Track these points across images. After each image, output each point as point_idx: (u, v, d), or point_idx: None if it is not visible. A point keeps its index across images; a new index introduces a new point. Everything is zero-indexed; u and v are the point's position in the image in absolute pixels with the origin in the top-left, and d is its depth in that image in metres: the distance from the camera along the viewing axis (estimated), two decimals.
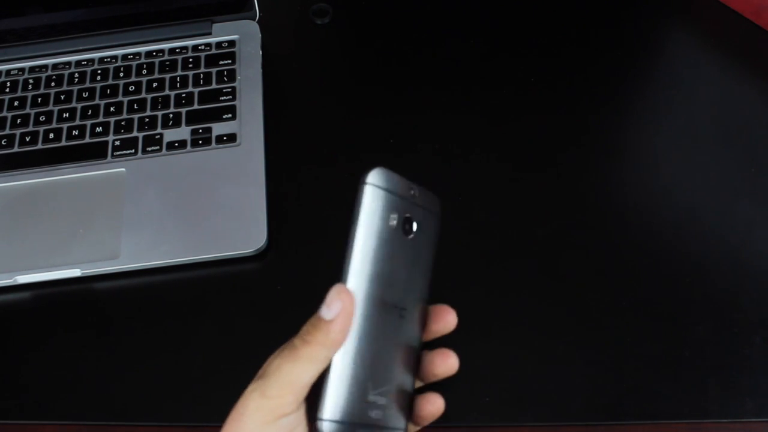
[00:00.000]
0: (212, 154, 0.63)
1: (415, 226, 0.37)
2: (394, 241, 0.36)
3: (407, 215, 0.37)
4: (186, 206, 0.60)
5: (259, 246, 0.58)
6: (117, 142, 0.64)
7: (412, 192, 0.37)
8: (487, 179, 0.62)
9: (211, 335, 0.55)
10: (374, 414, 0.35)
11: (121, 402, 0.53)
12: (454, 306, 0.55)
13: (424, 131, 0.65)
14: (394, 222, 0.36)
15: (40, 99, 0.68)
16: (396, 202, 0.36)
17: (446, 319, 0.40)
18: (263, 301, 0.56)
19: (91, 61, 0.70)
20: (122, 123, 0.66)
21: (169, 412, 0.51)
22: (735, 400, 0.50)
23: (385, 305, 0.36)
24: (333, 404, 0.34)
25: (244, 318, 0.56)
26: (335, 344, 0.34)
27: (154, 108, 0.66)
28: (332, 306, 0.34)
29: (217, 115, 0.65)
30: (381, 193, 0.36)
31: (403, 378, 0.37)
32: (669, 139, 0.64)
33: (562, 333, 0.54)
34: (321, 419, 0.34)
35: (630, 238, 0.58)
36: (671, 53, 0.70)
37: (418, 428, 0.40)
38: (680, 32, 0.71)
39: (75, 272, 0.57)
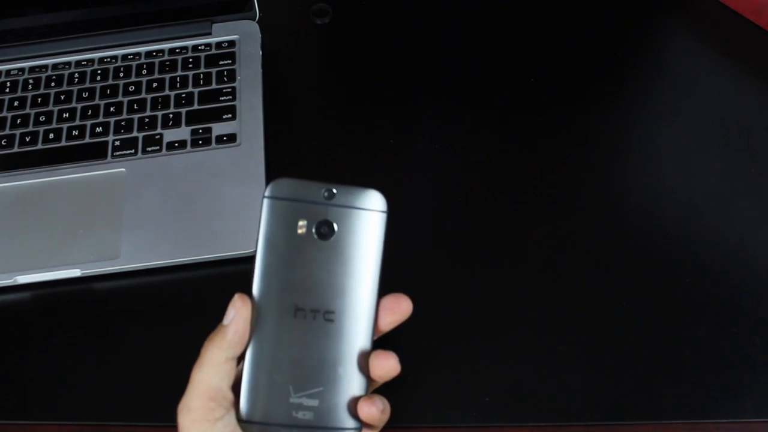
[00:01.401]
0: (212, 154, 0.63)
1: (336, 228, 0.38)
2: (306, 248, 0.38)
3: (322, 219, 0.38)
4: (186, 206, 0.60)
5: None
6: (117, 142, 0.65)
7: (327, 194, 0.38)
8: (486, 179, 0.62)
9: None
10: (302, 415, 0.37)
11: (121, 402, 0.53)
12: (455, 306, 0.56)
13: (423, 131, 0.65)
14: (303, 229, 0.38)
15: (40, 99, 0.68)
16: (304, 209, 0.38)
17: (400, 308, 0.39)
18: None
19: (91, 61, 0.70)
20: (122, 123, 0.66)
21: (169, 412, 0.51)
22: (735, 400, 0.51)
23: (301, 311, 0.37)
24: (248, 406, 0.37)
25: None
26: (231, 346, 0.37)
27: (154, 108, 0.66)
28: (228, 313, 0.37)
29: (217, 115, 0.65)
30: (282, 204, 0.38)
31: (340, 380, 0.37)
32: (669, 139, 0.64)
33: (562, 333, 0.54)
34: (239, 420, 0.37)
35: (630, 237, 0.58)
36: (671, 53, 0.70)
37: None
38: (680, 32, 0.71)
39: (75, 272, 0.57)
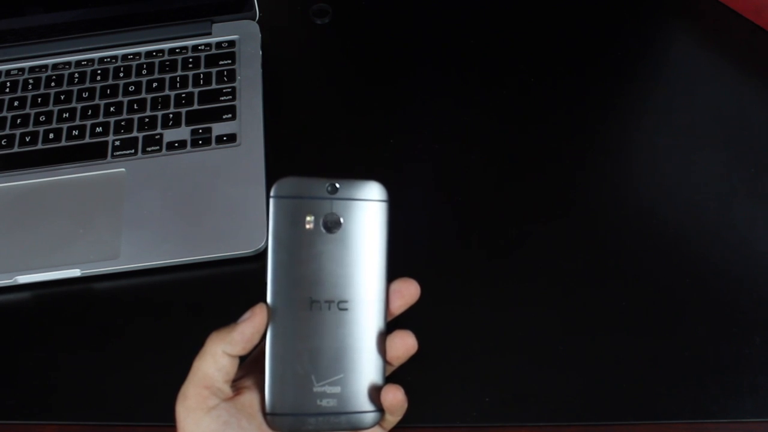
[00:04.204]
0: (212, 154, 0.63)
1: (342, 221, 0.39)
2: (316, 242, 0.39)
3: (328, 213, 0.39)
4: (186, 206, 0.60)
5: (259, 246, 0.58)
6: (117, 142, 0.65)
7: (331, 189, 0.39)
8: (486, 179, 0.62)
9: None
10: (326, 402, 0.38)
11: (121, 402, 0.53)
12: (454, 306, 0.56)
13: (423, 131, 0.65)
14: (311, 224, 0.39)
15: (40, 99, 0.68)
16: (310, 204, 0.39)
17: (409, 291, 0.40)
18: (263, 301, 0.56)
19: (91, 61, 0.70)
20: (122, 123, 0.66)
21: (169, 412, 0.51)
22: (735, 400, 0.51)
23: (316, 303, 0.39)
24: (274, 400, 0.38)
25: None
26: (232, 344, 0.38)
27: (154, 108, 0.66)
28: (244, 315, 0.38)
29: (217, 115, 0.65)
30: (288, 202, 0.39)
31: (359, 365, 0.39)
32: (669, 139, 0.64)
33: (562, 333, 0.54)
34: (266, 414, 0.38)
35: (630, 237, 0.58)
36: (671, 53, 0.70)
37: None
38: (680, 32, 0.71)
39: (75, 272, 0.57)
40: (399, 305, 0.40)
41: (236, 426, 0.38)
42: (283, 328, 0.38)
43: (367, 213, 0.40)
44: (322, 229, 0.39)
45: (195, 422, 0.37)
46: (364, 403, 0.39)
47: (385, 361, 0.39)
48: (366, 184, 0.40)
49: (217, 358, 0.38)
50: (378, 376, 0.39)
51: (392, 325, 0.40)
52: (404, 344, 0.39)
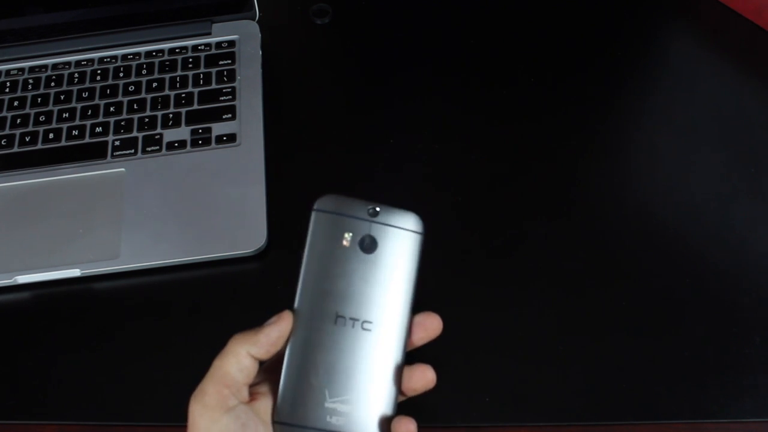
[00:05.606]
0: (212, 154, 0.63)
1: (378, 244, 0.40)
2: (349, 259, 0.40)
3: (366, 234, 0.40)
4: (186, 206, 0.60)
5: (259, 246, 0.58)
6: (117, 142, 0.65)
7: (372, 212, 0.40)
8: (486, 179, 0.62)
9: (211, 335, 0.55)
10: (335, 420, 0.38)
11: (121, 402, 0.53)
12: (454, 306, 0.55)
13: (423, 131, 0.65)
14: (348, 241, 0.40)
15: (40, 99, 0.68)
16: (350, 223, 0.40)
17: (432, 325, 0.41)
18: (263, 301, 0.56)
19: (91, 61, 0.70)
20: (122, 123, 0.66)
21: (169, 412, 0.51)
22: (735, 400, 0.51)
23: (341, 318, 0.39)
24: (285, 408, 0.38)
25: (244, 318, 0.55)
26: (257, 345, 0.38)
27: (153, 108, 0.66)
28: (270, 319, 0.39)
29: (216, 115, 0.65)
30: (330, 217, 0.40)
31: (373, 388, 0.39)
32: (669, 139, 0.64)
33: (562, 333, 0.54)
34: (274, 421, 0.38)
35: (630, 237, 0.58)
36: (671, 53, 0.70)
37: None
38: (680, 32, 0.71)
39: (75, 272, 0.57)
40: (421, 337, 0.40)
41: (253, 429, 0.37)
42: (304, 338, 0.39)
43: (402, 241, 0.40)
44: (358, 248, 0.40)
45: (212, 420, 0.37)
46: (371, 428, 0.39)
47: (399, 390, 0.39)
48: (405, 214, 0.41)
49: (240, 359, 0.38)
50: (389, 404, 0.39)
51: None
52: (424, 378, 0.39)
